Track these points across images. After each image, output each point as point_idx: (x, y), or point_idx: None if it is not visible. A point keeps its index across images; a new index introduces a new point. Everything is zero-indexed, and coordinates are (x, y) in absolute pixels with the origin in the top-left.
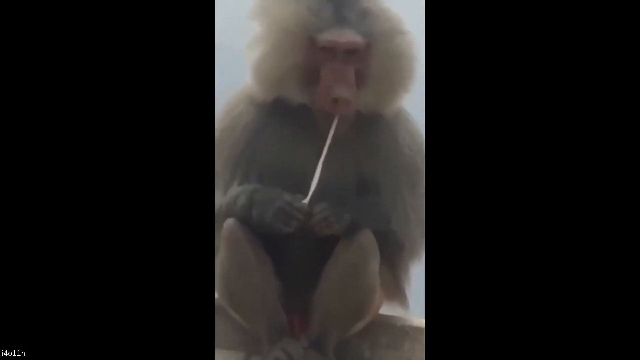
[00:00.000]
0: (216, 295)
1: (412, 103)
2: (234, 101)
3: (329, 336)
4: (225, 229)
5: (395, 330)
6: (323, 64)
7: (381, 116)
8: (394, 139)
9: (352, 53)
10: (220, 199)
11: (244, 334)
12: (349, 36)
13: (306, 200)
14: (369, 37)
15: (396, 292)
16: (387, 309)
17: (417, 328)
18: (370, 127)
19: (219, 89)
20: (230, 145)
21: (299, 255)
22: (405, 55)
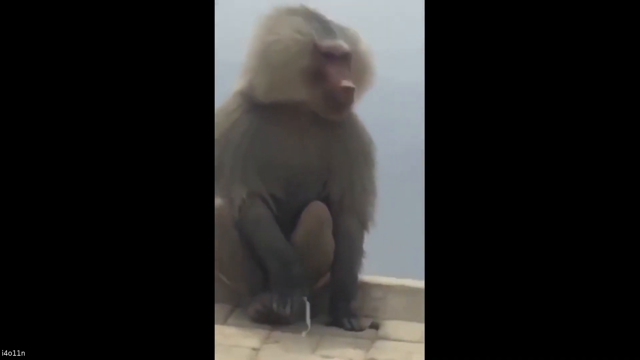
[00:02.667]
0: None
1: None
2: (229, 108)
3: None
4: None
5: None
6: (326, 65)
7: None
8: (352, 130)
9: (344, 58)
10: (234, 187)
11: (228, 290)
12: (343, 43)
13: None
14: (350, 45)
15: None
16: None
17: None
18: (336, 123)
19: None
20: (234, 145)
21: None
22: (367, 60)
